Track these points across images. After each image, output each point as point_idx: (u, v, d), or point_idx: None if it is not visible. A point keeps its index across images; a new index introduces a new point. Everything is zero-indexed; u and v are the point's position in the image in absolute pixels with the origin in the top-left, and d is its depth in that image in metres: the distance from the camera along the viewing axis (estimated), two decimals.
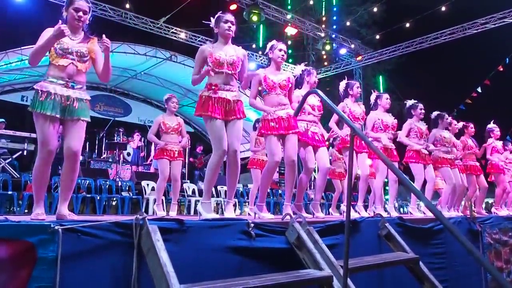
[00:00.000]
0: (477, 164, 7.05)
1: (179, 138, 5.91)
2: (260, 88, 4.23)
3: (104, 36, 3.12)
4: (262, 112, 4.23)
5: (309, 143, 4.53)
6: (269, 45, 4.31)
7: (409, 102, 5.99)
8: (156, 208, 5.88)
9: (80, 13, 3.10)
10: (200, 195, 9.40)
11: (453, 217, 5.30)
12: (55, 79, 3.01)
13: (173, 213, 5.77)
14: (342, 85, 5.45)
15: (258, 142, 6.63)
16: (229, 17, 3.66)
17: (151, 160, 12.66)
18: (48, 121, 2.96)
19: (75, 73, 3.08)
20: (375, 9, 17.49)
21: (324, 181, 4.76)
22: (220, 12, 3.76)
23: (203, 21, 3.82)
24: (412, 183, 2.08)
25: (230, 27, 3.62)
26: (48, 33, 3.03)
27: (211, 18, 3.74)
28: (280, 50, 4.19)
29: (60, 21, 3.00)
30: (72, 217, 2.90)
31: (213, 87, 3.50)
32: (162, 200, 6.13)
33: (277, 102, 4.09)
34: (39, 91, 2.97)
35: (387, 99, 5.65)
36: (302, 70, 4.83)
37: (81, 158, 10.91)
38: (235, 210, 8.61)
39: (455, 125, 6.71)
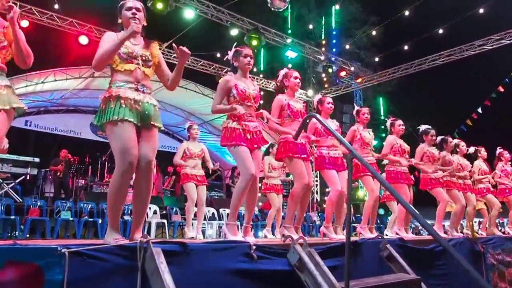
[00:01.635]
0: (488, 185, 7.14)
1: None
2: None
3: (174, 45, 3.06)
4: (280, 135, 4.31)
5: (333, 168, 4.71)
6: (282, 72, 4.45)
7: (422, 127, 6.13)
8: (187, 230, 6.12)
9: (134, 10, 2.98)
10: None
11: (455, 238, 5.30)
12: (124, 83, 2.84)
13: (199, 236, 5.96)
14: (354, 111, 5.70)
15: (271, 167, 6.97)
16: (248, 51, 3.86)
17: (153, 184, 12.69)
18: (125, 126, 2.70)
19: (142, 78, 2.93)
20: (373, 32, 17.73)
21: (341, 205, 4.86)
22: (238, 46, 3.95)
23: (224, 59, 3.96)
24: (410, 205, 2.12)
25: (249, 61, 3.82)
26: (109, 35, 2.92)
27: (229, 51, 3.92)
28: (296, 78, 4.37)
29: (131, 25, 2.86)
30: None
31: (237, 118, 3.67)
32: (192, 223, 6.36)
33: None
34: (109, 97, 2.77)
35: (399, 125, 5.77)
36: (317, 101, 5.04)
37: (83, 182, 10.91)
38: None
39: (463, 146, 6.79)
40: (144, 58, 2.95)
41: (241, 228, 4.17)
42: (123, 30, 2.95)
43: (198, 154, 6.11)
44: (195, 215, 6.30)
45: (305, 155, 4.15)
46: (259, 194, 7.82)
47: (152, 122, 2.87)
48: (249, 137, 3.67)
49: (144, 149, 2.81)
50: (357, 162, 5.40)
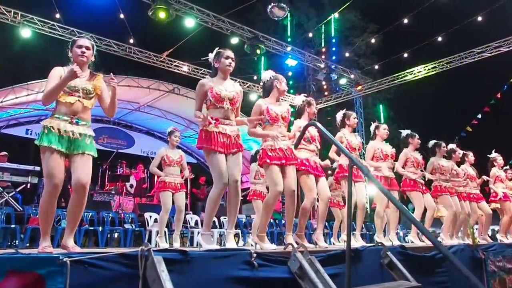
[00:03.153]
0: (478, 191, 7.10)
1: (181, 170, 6.05)
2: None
3: (112, 74, 3.26)
4: (262, 142, 4.24)
5: (312, 172, 4.55)
6: (267, 76, 4.34)
7: (405, 132, 6.07)
8: (159, 240, 5.90)
9: (83, 49, 3.26)
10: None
11: (455, 245, 5.29)
12: (61, 115, 3.12)
13: (176, 244, 5.81)
14: (339, 115, 5.54)
15: (259, 174, 6.77)
16: (230, 53, 3.77)
17: (154, 192, 12.70)
18: (54, 154, 3.03)
19: (81, 110, 3.20)
20: (373, 40, 17.82)
21: (325, 210, 4.78)
22: (219, 48, 3.87)
23: (202, 58, 3.94)
24: (409, 211, 2.13)
25: (230, 63, 3.74)
26: (56, 72, 3.16)
27: (210, 54, 3.84)
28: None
29: (75, 64, 3.12)
30: (75, 249, 2.97)
31: (214, 121, 3.57)
32: (165, 232, 6.16)
33: (278, 134, 4.10)
34: (46, 126, 3.08)
35: (384, 129, 5.72)
36: (303, 101, 4.88)
37: None
38: (238, 241, 8.59)
39: (458, 153, 6.76)
40: (85, 91, 3.22)
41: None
42: (71, 65, 3.19)
43: (177, 161, 5.92)
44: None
45: (283, 161, 4.02)
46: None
47: (85, 151, 3.17)
48: (226, 142, 3.60)
49: (77, 173, 3.12)
50: (344, 168, 5.36)
